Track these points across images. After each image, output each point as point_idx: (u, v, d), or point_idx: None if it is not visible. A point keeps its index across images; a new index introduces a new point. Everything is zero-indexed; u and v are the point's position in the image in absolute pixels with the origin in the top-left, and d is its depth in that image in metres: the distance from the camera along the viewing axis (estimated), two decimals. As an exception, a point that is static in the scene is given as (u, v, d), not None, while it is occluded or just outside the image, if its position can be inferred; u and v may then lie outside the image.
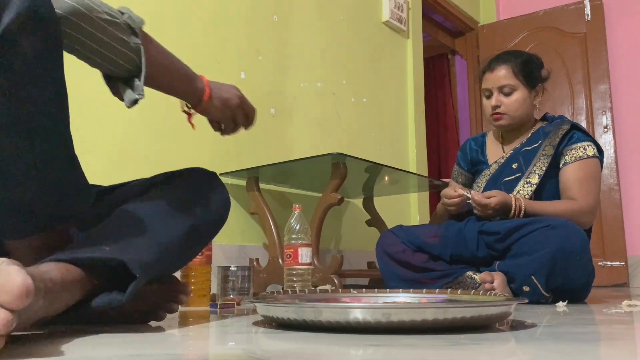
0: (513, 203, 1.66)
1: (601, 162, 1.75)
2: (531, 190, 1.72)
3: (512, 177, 1.78)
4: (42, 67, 0.71)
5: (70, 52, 0.84)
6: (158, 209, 0.92)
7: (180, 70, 1.01)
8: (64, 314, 0.76)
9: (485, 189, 1.82)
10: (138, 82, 0.88)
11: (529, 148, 1.79)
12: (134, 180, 1.08)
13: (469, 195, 1.71)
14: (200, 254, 1.40)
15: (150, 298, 0.90)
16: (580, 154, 1.71)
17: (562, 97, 3.79)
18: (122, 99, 0.90)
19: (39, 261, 0.75)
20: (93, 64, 0.87)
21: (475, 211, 1.71)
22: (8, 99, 0.68)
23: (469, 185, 1.97)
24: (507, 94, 1.79)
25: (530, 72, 1.80)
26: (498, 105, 1.80)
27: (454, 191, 1.76)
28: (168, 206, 0.93)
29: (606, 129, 3.66)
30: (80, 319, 0.83)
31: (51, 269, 0.71)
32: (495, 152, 1.92)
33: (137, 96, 0.88)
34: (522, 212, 1.65)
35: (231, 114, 1.10)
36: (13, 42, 0.66)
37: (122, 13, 0.88)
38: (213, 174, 1.07)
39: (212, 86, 1.06)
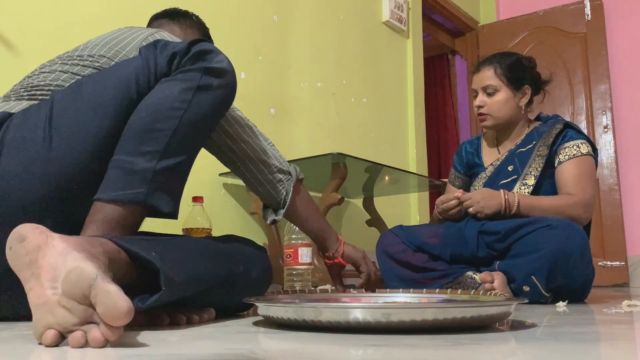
0: (502, 196, 1.66)
1: (595, 160, 1.74)
2: (528, 192, 1.72)
3: (509, 179, 1.78)
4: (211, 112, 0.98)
5: (242, 178, 1.21)
6: (206, 248, 1.00)
7: (315, 218, 1.28)
8: None
9: None
10: (280, 211, 1.22)
11: (524, 149, 1.80)
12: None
13: (458, 195, 1.73)
14: None
15: None
16: (574, 152, 1.71)
17: (562, 97, 3.79)
18: (265, 218, 1.26)
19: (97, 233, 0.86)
20: (252, 189, 1.22)
21: (469, 211, 1.71)
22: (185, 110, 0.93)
23: (466, 188, 1.97)
24: (490, 94, 1.81)
25: (516, 73, 1.80)
26: (481, 105, 1.82)
27: (447, 197, 1.77)
28: (214, 252, 1.01)
29: (606, 129, 3.66)
30: None
31: (108, 245, 0.77)
32: (490, 155, 1.92)
33: (276, 218, 1.23)
34: (516, 205, 1.65)
35: (363, 257, 1.32)
36: (209, 77, 0.96)
37: (290, 163, 1.24)
38: (262, 248, 1.20)
39: (345, 242, 1.32)
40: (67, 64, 1.04)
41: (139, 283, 0.82)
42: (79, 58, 1.06)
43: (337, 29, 2.89)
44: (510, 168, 1.80)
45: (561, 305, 1.41)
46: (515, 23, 4.03)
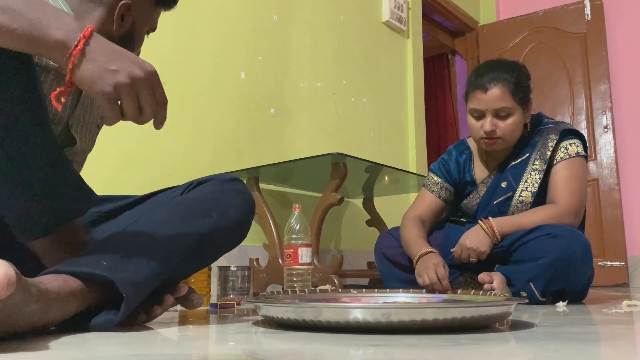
0: (482, 228, 1.56)
1: (585, 157, 1.66)
2: (526, 210, 1.63)
3: (504, 197, 1.66)
4: None
5: None
6: (167, 222, 0.93)
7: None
8: (65, 324, 0.77)
9: (477, 214, 1.73)
10: None
11: (516, 162, 1.67)
12: (160, 190, 1.11)
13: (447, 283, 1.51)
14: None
15: None
16: (562, 155, 1.63)
17: (562, 97, 3.79)
18: None
19: (59, 260, 0.82)
20: None
21: (471, 261, 1.57)
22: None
23: (451, 203, 1.83)
24: (503, 117, 1.60)
25: (524, 89, 1.63)
26: (493, 129, 1.60)
27: (443, 273, 1.50)
28: (178, 218, 0.94)
29: (606, 129, 3.66)
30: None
31: (48, 280, 0.73)
32: (480, 169, 1.77)
33: None
34: (496, 228, 1.55)
35: (115, 96, 0.72)
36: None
37: None
38: (233, 178, 1.07)
39: (93, 45, 0.70)
40: None
41: (111, 296, 0.80)
42: None
43: (337, 29, 2.89)
44: (503, 185, 1.67)
45: (561, 305, 1.41)
46: (515, 23, 4.03)
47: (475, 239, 1.56)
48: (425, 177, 2.06)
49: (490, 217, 1.60)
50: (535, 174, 1.64)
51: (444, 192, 1.79)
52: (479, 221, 1.59)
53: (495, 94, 1.59)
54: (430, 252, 1.59)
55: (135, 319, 0.85)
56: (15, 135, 0.75)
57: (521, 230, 1.54)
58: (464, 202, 1.78)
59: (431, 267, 1.51)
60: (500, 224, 1.57)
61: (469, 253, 1.56)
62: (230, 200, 1.01)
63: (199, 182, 1.06)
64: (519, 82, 1.61)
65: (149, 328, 0.84)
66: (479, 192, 1.74)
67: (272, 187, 2.43)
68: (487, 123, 1.60)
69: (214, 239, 0.97)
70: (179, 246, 0.90)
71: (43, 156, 0.79)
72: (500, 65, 1.66)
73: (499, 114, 1.60)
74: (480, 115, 1.63)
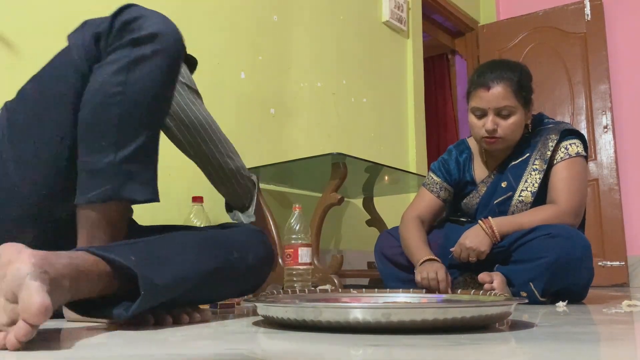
0: (482, 228, 1.56)
1: (585, 157, 1.66)
2: (526, 209, 1.63)
3: (504, 197, 1.66)
4: None
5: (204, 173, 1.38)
6: (191, 245, 0.97)
7: (262, 226, 1.31)
8: (84, 304, 0.80)
9: (477, 214, 1.73)
10: (248, 216, 1.40)
11: (516, 162, 1.67)
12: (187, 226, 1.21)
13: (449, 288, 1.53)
14: None
15: None
16: (562, 155, 1.62)
17: (562, 97, 3.79)
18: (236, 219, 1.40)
19: (89, 238, 0.88)
20: (213, 184, 1.41)
21: (471, 260, 1.58)
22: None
23: (450, 203, 1.83)
24: (505, 116, 1.60)
25: (526, 89, 1.62)
26: (495, 128, 1.60)
27: (444, 277, 1.52)
28: (201, 245, 0.98)
29: (606, 129, 3.66)
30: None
31: (82, 259, 0.76)
32: (480, 169, 1.77)
33: (251, 219, 1.37)
34: (495, 228, 1.55)
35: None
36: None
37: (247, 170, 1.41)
38: (260, 230, 1.18)
39: None
40: None
41: (125, 291, 0.82)
42: None
43: (337, 29, 2.89)
44: (503, 184, 1.67)
45: (561, 305, 1.41)
46: (515, 23, 4.03)
47: (474, 239, 1.56)
48: (424, 177, 2.06)
49: (490, 217, 1.60)
50: (535, 174, 1.64)
51: (443, 192, 1.79)
52: (479, 221, 1.59)
53: (498, 92, 1.58)
54: (430, 259, 1.60)
55: (144, 321, 0.87)
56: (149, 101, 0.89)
57: (521, 230, 1.54)
58: (464, 201, 1.78)
59: (432, 273, 1.52)
60: (500, 223, 1.57)
61: (468, 253, 1.56)
62: (252, 247, 1.08)
63: (230, 225, 1.16)
64: (522, 82, 1.61)
65: (148, 328, 0.85)
66: (479, 192, 1.74)
67: (272, 187, 2.43)
68: (489, 122, 1.60)
69: (228, 276, 1.01)
70: (197, 269, 0.93)
71: (151, 131, 0.90)
72: (503, 65, 1.66)
73: (500, 113, 1.60)
74: (482, 114, 1.63)
